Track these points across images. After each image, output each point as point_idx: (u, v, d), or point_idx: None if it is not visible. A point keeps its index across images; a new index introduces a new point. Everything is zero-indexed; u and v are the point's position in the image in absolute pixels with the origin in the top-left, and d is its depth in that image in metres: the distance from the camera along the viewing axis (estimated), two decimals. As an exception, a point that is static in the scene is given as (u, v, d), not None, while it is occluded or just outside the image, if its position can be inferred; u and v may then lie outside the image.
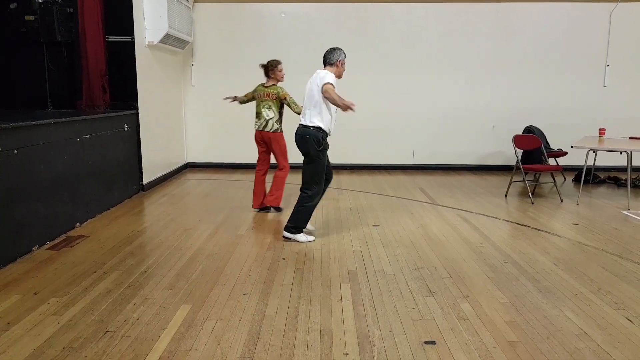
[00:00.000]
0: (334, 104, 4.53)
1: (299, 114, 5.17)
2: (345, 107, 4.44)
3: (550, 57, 8.69)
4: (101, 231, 5.05)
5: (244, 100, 6.01)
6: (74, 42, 6.33)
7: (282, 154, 5.72)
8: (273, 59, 5.75)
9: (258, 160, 5.90)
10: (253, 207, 5.94)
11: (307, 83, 4.78)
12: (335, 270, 4.03)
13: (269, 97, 5.64)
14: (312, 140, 4.60)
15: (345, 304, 3.41)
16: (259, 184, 5.90)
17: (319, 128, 4.61)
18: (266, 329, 3.04)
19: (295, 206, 4.80)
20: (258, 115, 5.73)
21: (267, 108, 5.65)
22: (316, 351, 2.80)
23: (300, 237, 4.79)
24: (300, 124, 4.72)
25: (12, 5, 6.41)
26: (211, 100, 8.84)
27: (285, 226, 4.83)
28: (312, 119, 4.62)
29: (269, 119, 5.65)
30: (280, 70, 5.68)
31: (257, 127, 5.75)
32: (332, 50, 4.73)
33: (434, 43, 8.68)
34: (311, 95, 4.65)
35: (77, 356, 2.72)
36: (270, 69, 5.67)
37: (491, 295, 3.58)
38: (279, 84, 5.74)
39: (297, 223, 4.77)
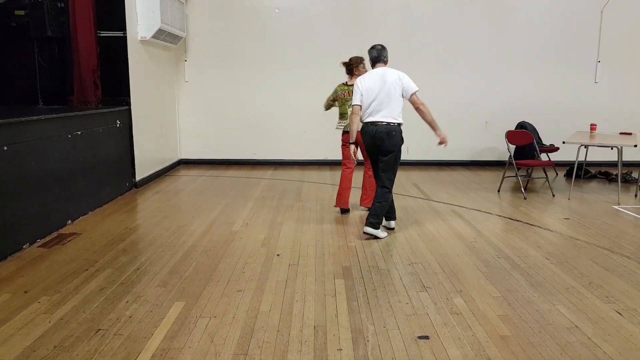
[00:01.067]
0: (430, 124, 4.73)
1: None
2: (442, 139, 4.73)
3: (543, 53, 8.71)
4: (93, 228, 5.03)
5: (329, 105, 5.83)
6: (65, 38, 6.27)
7: None
8: (356, 55, 5.59)
9: (346, 160, 5.66)
10: (336, 206, 5.72)
11: (371, 80, 4.70)
12: (330, 266, 4.04)
13: (350, 95, 5.42)
14: (398, 136, 4.68)
15: (340, 299, 3.41)
16: (348, 182, 5.66)
17: (401, 124, 4.71)
18: (260, 326, 3.04)
19: (374, 202, 4.77)
20: (343, 115, 5.56)
21: None
22: (310, 347, 2.80)
23: (381, 232, 4.81)
24: (381, 122, 4.65)
25: (1, 0, 6.34)
26: (205, 96, 8.82)
27: (369, 222, 4.73)
28: (396, 116, 4.66)
29: None
30: (364, 68, 5.48)
31: (343, 128, 5.58)
32: (383, 48, 4.81)
33: (428, 39, 8.68)
34: (388, 92, 4.63)
35: (68, 355, 2.71)
36: (355, 66, 5.53)
37: (484, 289, 3.60)
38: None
39: (380, 218, 4.78)
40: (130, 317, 3.14)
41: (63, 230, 4.93)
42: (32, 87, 6.55)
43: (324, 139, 8.94)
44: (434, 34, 8.66)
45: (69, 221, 5.14)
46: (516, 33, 8.66)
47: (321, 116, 8.93)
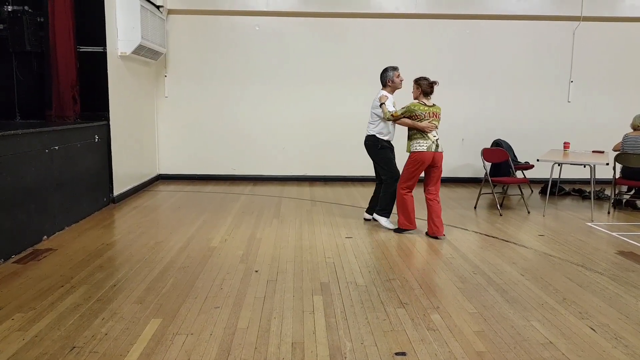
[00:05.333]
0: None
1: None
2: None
3: (517, 73, 8.94)
4: (69, 244, 4.96)
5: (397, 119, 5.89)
6: (44, 52, 6.23)
7: None
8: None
9: (429, 185, 5.67)
10: (429, 233, 5.49)
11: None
12: (308, 282, 4.05)
13: (436, 117, 5.62)
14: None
15: (318, 316, 3.42)
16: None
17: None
18: (237, 343, 3.03)
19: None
20: (425, 136, 5.52)
21: (435, 128, 5.57)
22: (287, 364, 2.80)
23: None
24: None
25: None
26: (184, 112, 8.82)
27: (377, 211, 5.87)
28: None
29: (438, 139, 5.55)
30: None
31: (427, 149, 5.47)
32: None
33: (404, 57, 8.81)
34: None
35: (43, 373, 2.66)
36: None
37: (460, 306, 3.65)
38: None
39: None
40: (106, 334, 3.10)
41: (38, 246, 4.85)
42: (10, 101, 6.47)
43: (303, 155, 9.01)
44: (409, 55, 8.81)
45: (45, 237, 5.07)
46: (491, 53, 8.88)
47: (300, 132, 9.03)
